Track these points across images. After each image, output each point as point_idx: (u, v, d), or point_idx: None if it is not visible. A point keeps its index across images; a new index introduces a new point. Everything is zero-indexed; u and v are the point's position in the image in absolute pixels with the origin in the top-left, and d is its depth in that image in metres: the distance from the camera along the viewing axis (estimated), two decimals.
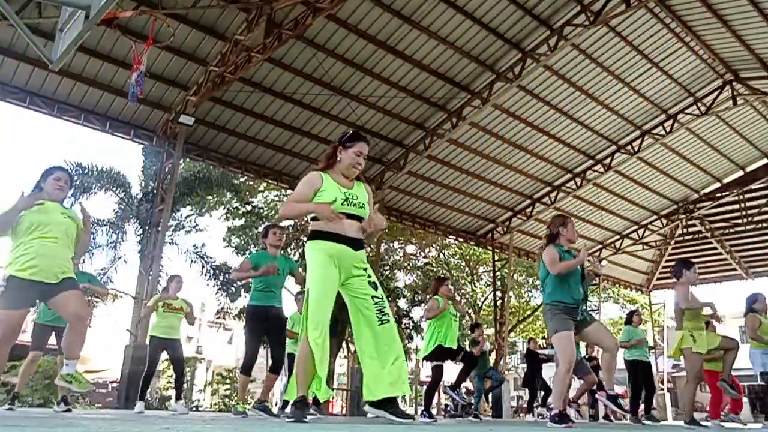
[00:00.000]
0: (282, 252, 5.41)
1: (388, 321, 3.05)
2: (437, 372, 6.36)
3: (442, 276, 10.92)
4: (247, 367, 5.23)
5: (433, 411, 6.70)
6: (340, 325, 14.99)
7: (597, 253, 18.91)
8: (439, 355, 6.22)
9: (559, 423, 4.01)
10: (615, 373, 4.63)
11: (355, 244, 3.10)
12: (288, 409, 3.09)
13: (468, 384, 21.20)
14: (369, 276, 3.11)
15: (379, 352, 3.00)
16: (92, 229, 4.06)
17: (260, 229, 17.02)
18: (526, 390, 12.37)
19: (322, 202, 3.05)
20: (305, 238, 5.40)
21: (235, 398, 16.28)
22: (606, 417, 9.91)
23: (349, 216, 3.10)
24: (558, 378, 4.32)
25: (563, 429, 3.94)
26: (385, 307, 3.07)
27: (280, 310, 5.24)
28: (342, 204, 3.08)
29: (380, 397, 2.99)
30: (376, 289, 3.10)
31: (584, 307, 4.39)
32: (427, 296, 20.25)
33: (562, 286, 4.31)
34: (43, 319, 5.72)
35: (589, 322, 4.38)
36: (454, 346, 6.29)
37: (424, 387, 7.79)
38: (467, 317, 21.84)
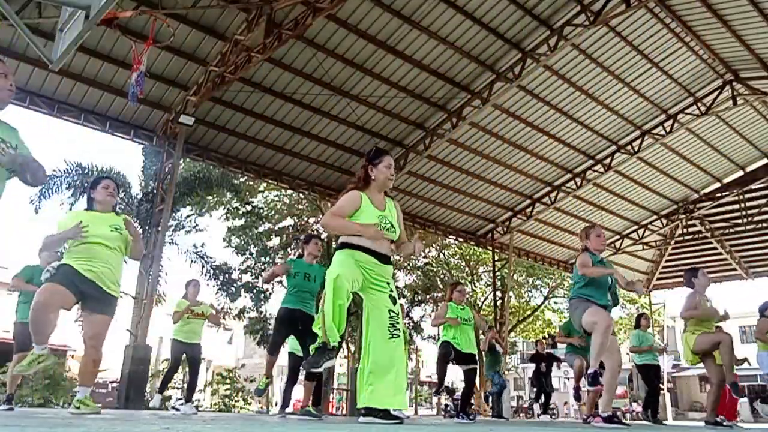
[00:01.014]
0: (317, 261, 5.65)
1: (398, 336, 3.22)
2: (469, 376, 6.50)
3: (455, 282, 11.14)
4: (271, 350, 5.61)
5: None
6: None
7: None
8: (444, 350, 6.43)
9: (613, 423, 4.18)
10: (614, 394, 4.67)
11: (382, 258, 3.29)
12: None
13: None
14: (391, 291, 3.29)
15: (378, 364, 3.16)
16: (135, 226, 4.31)
17: (260, 229, 17.06)
18: (527, 390, 12.37)
19: (362, 223, 3.24)
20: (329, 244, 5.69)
21: (235, 398, 16.27)
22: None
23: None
24: (596, 336, 4.25)
25: (614, 428, 4.07)
26: (398, 323, 3.24)
27: (308, 314, 5.38)
28: (383, 227, 3.29)
29: (378, 406, 3.13)
30: (394, 303, 3.27)
31: (610, 313, 4.50)
32: (427, 296, 20.28)
33: (590, 288, 4.46)
34: (24, 319, 5.63)
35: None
36: (469, 351, 6.41)
37: (425, 387, 7.89)
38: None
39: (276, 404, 10.96)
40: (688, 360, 5.77)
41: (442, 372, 6.96)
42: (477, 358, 6.75)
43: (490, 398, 11.48)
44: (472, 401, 11.96)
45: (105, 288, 3.82)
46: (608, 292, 4.52)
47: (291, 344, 6.12)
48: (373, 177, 3.39)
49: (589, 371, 4.38)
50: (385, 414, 3.11)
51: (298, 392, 6.86)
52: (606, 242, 4.89)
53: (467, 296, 22.31)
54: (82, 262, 3.78)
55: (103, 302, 3.84)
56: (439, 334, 7.09)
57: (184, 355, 6.66)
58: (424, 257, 21.89)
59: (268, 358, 5.74)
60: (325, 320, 3.08)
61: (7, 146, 2.74)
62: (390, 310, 3.22)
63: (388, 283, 3.29)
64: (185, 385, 8.17)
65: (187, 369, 6.93)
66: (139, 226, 12.18)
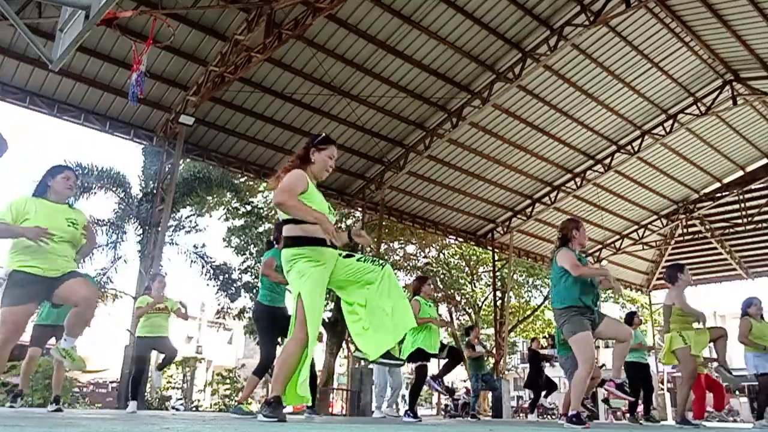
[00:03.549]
0: None
1: (383, 267, 3.15)
2: (420, 371, 6.18)
3: (423, 275, 10.75)
4: (262, 370, 5.08)
5: (419, 410, 6.55)
6: (340, 326, 14.99)
7: (597, 253, 18.93)
8: (421, 356, 6.06)
9: (576, 424, 4.05)
10: (623, 362, 4.60)
11: (333, 246, 3.15)
12: (263, 409, 3.11)
13: (468, 384, 21.16)
14: (340, 255, 3.16)
15: (381, 296, 3.09)
16: (93, 231, 3.97)
17: (260, 229, 17.06)
18: (527, 391, 12.36)
19: (316, 210, 3.07)
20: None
21: (235, 398, 16.25)
22: (605, 401, 9.89)
23: None
24: (577, 380, 4.23)
25: (582, 430, 3.98)
26: (373, 259, 3.20)
27: (287, 310, 5.09)
28: (330, 213, 3.20)
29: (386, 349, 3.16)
30: (352, 256, 3.18)
31: (597, 308, 4.37)
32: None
33: (573, 291, 4.28)
34: (44, 321, 5.69)
35: (599, 321, 4.33)
36: (432, 351, 6.11)
37: (424, 387, 7.79)
38: (465, 321, 21.85)
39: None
40: (663, 360, 5.73)
41: (417, 393, 6.30)
42: (456, 353, 6.58)
43: (480, 397, 11.40)
44: (470, 401, 11.85)
45: (59, 275, 3.48)
46: (593, 289, 4.37)
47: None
48: (312, 160, 3.25)
49: (570, 413, 4.20)
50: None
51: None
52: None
53: (467, 296, 22.37)
54: (34, 261, 3.43)
55: (64, 277, 3.49)
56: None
57: (155, 353, 6.40)
58: (424, 257, 21.90)
59: (254, 381, 5.25)
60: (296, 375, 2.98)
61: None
62: (357, 260, 3.14)
63: (339, 254, 3.15)
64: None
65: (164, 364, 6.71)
66: (139, 226, 12.20)
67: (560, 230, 4.65)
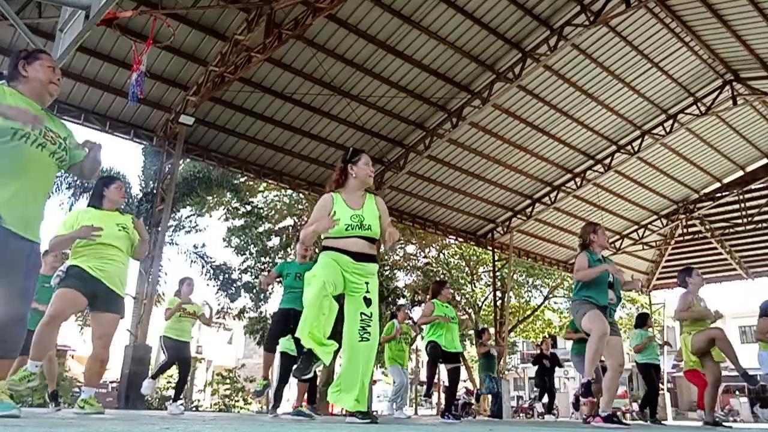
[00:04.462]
0: (310, 260, 5.72)
1: (368, 340, 3.26)
2: (453, 374, 6.57)
3: (442, 279, 11.13)
4: (267, 347, 5.68)
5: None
6: (339, 326, 15.00)
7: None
8: (433, 352, 6.34)
9: (613, 423, 4.10)
10: (615, 393, 4.61)
11: (358, 257, 3.28)
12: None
13: (468, 384, 21.11)
14: (367, 292, 3.30)
15: (351, 362, 3.26)
16: (142, 225, 4.43)
17: (260, 229, 17.10)
18: (531, 390, 12.36)
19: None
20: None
21: (235, 398, 16.25)
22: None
23: (354, 237, 3.30)
24: (591, 344, 4.25)
25: (614, 428, 4.01)
26: (369, 326, 3.27)
27: (300, 312, 5.38)
28: (346, 230, 3.27)
29: (347, 407, 3.30)
30: (368, 305, 3.29)
31: (614, 311, 4.48)
32: (427, 297, 20.26)
33: (590, 289, 4.42)
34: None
35: (612, 333, 4.37)
36: (451, 349, 6.33)
37: (424, 387, 7.94)
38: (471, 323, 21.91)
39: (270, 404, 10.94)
40: (689, 363, 5.79)
41: (431, 374, 7.05)
42: (461, 356, 6.82)
43: (481, 398, 11.54)
44: (471, 401, 11.98)
45: (113, 288, 3.88)
46: (610, 290, 4.47)
47: (283, 344, 6.10)
48: (354, 175, 3.42)
49: (582, 380, 4.32)
50: (363, 414, 3.26)
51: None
52: (608, 241, 4.90)
53: (467, 296, 22.38)
54: (90, 262, 3.82)
55: (112, 301, 3.89)
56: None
57: (160, 354, 6.73)
58: (424, 257, 21.91)
59: (265, 357, 5.81)
60: (302, 318, 3.17)
61: (56, 136, 2.68)
62: (362, 313, 3.26)
63: (367, 283, 3.29)
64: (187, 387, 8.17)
65: (176, 368, 6.91)
66: None
67: (579, 236, 4.82)
